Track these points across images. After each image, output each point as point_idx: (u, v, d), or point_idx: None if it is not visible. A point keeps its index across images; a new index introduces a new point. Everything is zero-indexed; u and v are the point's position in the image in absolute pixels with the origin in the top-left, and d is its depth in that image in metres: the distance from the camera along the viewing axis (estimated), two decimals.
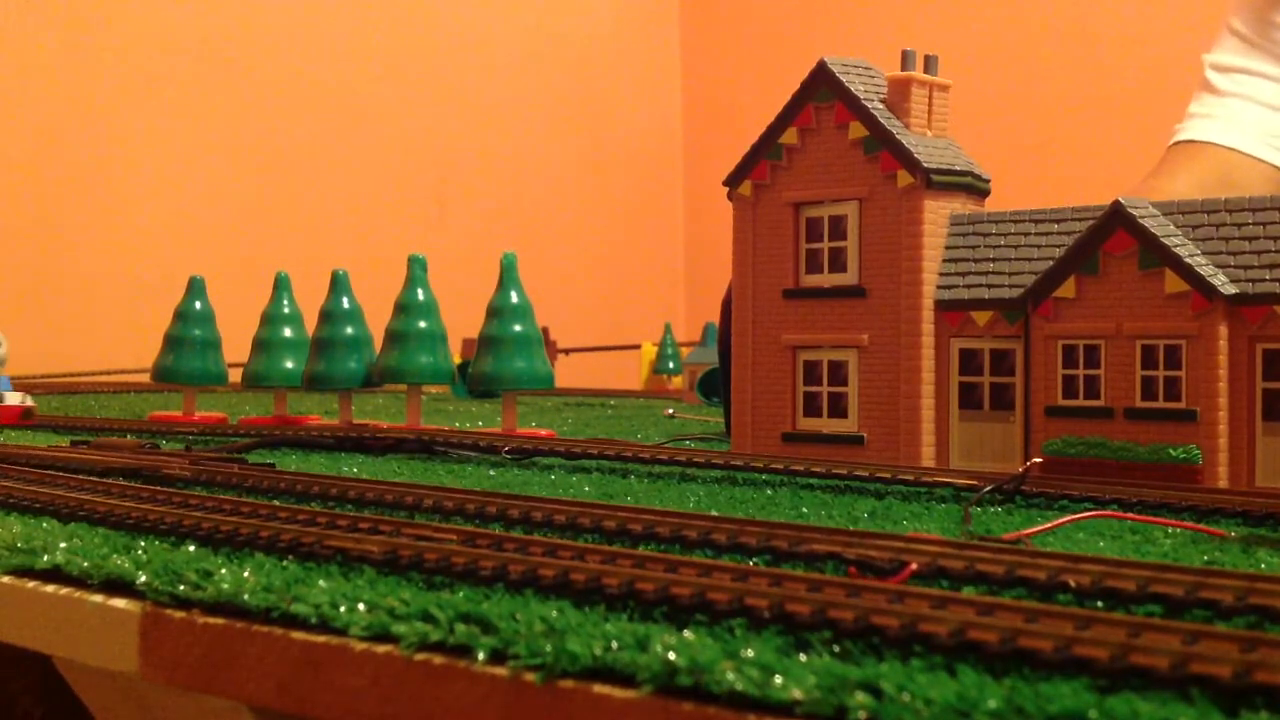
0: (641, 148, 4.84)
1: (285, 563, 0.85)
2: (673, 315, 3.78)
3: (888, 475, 1.24)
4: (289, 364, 1.92)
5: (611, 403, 2.88)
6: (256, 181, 3.75)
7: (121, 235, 3.45)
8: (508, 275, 1.74)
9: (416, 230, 3.93)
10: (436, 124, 4.18)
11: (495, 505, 0.97)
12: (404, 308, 1.79)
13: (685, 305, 4.66)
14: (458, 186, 4.21)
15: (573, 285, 4.11)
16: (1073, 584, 0.70)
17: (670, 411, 2.34)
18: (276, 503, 1.05)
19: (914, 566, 0.75)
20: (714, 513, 1.09)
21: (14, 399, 1.61)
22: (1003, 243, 1.36)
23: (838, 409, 1.42)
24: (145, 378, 2.41)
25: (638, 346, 3.56)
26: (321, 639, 0.72)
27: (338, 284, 1.86)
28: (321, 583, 0.78)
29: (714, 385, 2.52)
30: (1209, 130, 2.11)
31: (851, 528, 1.01)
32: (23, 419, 1.59)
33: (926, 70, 1.43)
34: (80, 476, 1.22)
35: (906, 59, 1.43)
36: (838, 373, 1.42)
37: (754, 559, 0.84)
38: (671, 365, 3.33)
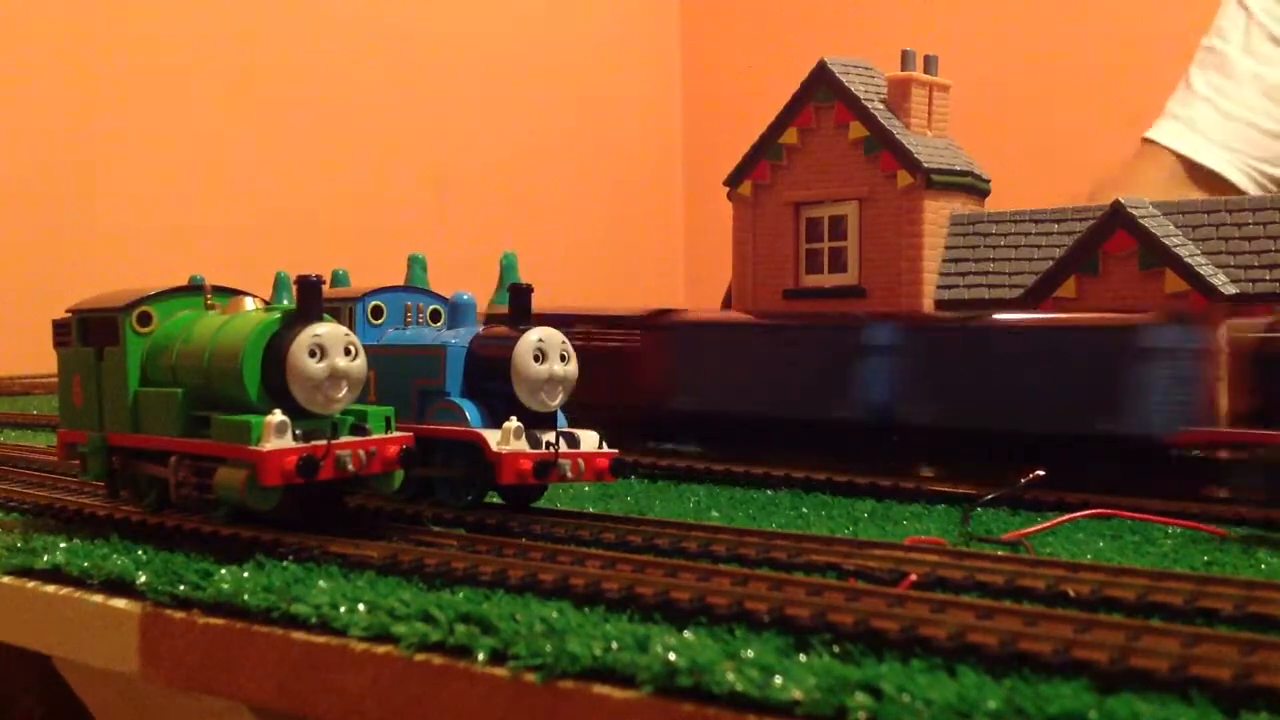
0: (641, 147, 4.84)
1: (285, 563, 0.84)
2: None
3: (888, 484, 1.22)
4: None
5: None
6: (255, 181, 3.75)
7: (120, 235, 3.45)
8: (508, 275, 1.75)
9: (416, 229, 3.93)
10: (436, 123, 4.18)
11: (494, 518, 0.97)
12: None
13: (685, 306, 4.66)
14: (457, 186, 4.21)
15: (572, 285, 4.11)
16: (1072, 593, 0.70)
17: None
18: None
19: (913, 577, 0.75)
20: (715, 513, 1.09)
21: (589, 440, 1.00)
22: (1003, 243, 1.36)
23: None
24: None
25: None
26: (322, 639, 0.72)
27: (338, 284, 1.86)
28: (322, 583, 0.78)
29: None
30: (1174, 136, 2.11)
31: (851, 528, 1.01)
32: (613, 472, 0.99)
33: (926, 70, 1.43)
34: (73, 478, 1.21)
35: (906, 59, 1.42)
36: None
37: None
38: None
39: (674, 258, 4.95)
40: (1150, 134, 2.14)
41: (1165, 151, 2.10)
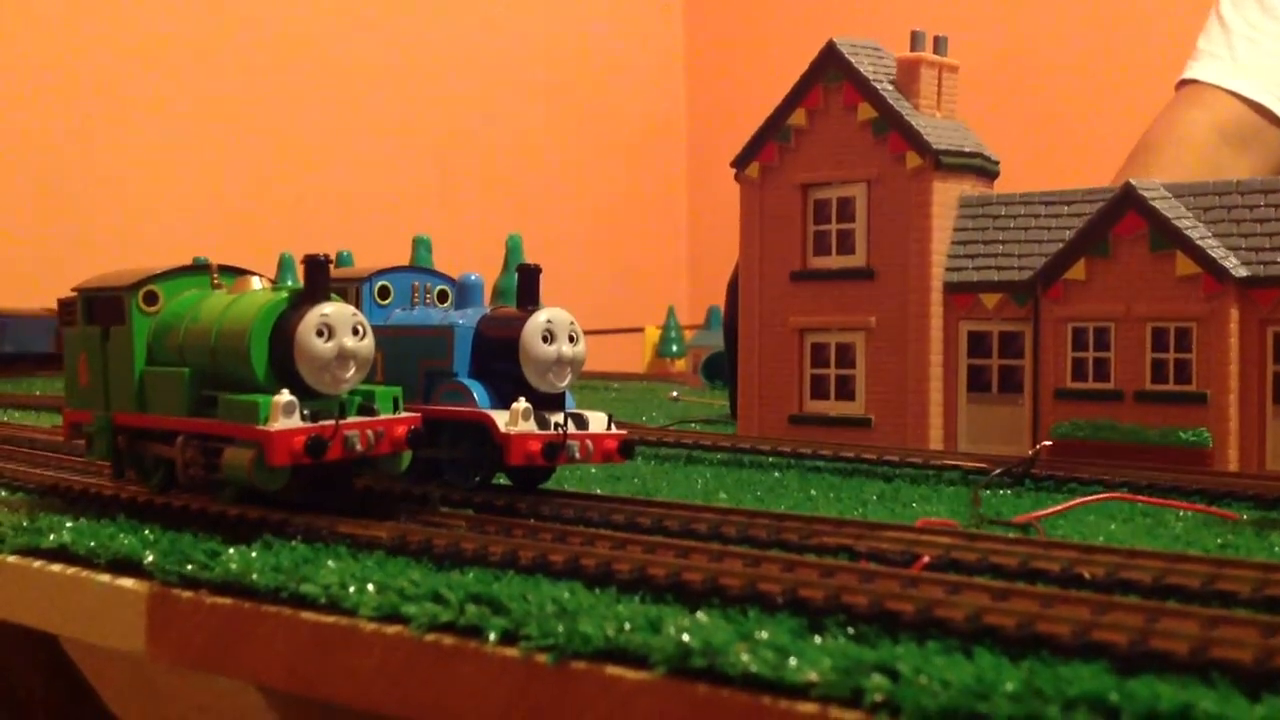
0: (645, 129, 4.82)
1: (294, 543, 0.84)
2: (676, 298, 3.77)
3: (896, 459, 1.23)
4: None
5: (615, 385, 2.87)
6: (260, 163, 3.74)
7: (124, 217, 3.44)
8: (513, 256, 1.74)
9: (421, 211, 3.92)
10: (441, 105, 4.17)
11: (502, 500, 0.96)
12: None
13: (688, 288, 4.65)
14: (462, 169, 4.20)
15: (575, 268, 4.10)
16: (1087, 575, 0.70)
17: (675, 395, 2.33)
18: None
19: (927, 559, 0.75)
20: (723, 495, 1.09)
21: (598, 421, 0.99)
22: (1012, 225, 1.35)
23: (845, 391, 1.41)
24: None
25: (641, 330, 3.55)
26: (331, 619, 0.72)
27: (342, 265, 1.85)
28: (330, 563, 0.78)
29: (718, 368, 2.51)
30: (1217, 72, 2.09)
31: (860, 510, 1.01)
32: (622, 454, 0.99)
33: (936, 51, 1.42)
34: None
35: (915, 40, 1.42)
36: (845, 355, 1.41)
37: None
38: (675, 348, 3.33)
39: (678, 240, 4.94)
40: (1190, 74, 2.12)
41: (1208, 89, 2.08)
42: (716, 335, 2.57)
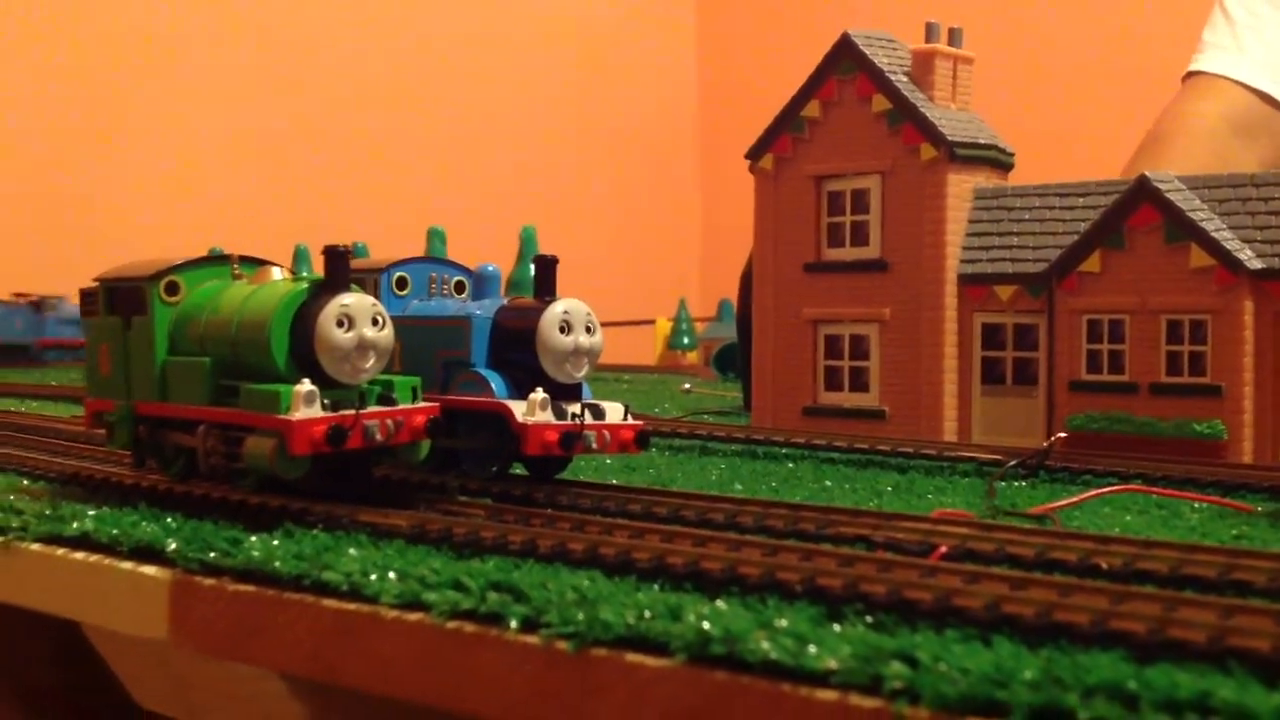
0: (657, 122, 4.82)
1: (315, 532, 0.84)
2: (687, 291, 3.77)
3: (910, 450, 1.23)
4: None
5: (627, 377, 2.88)
6: (275, 155, 3.75)
7: (140, 208, 3.45)
8: (527, 248, 1.75)
9: (435, 204, 3.93)
10: (454, 98, 4.18)
11: (520, 489, 0.97)
12: None
13: (700, 281, 4.65)
14: (475, 162, 4.21)
15: (587, 260, 4.10)
16: (1104, 566, 0.70)
17: (688, 386, 2.34)
18: None
19: (944, 549, 0.75)
20: (738, 486, 1.09)
21: (615, 412, 1.00)
22: (1027, 217, 1.35)
23: (859, 383, 1.42)
24: None
25: (652, 322, 3.55)
26: (353, 607, 0.72)
27: (358, 257, 1.85)
28: (352, 551, 0.78)
29: (730, 360, 2.52)
30: (1223, 63, 2.10)
31: (875, 501, 1.01)
32: (638, 444, 0.99)
33: (950, 43, 1.42)
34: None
35: (930, 31, 1.42)
36: (859, 347, 1.42)
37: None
38: (686, 340, 3.33)
39: (689, 233, 4.94)
40: (1196, 66, 2.12)
41: (1215, 80, 2.09)
42: (728, 328, 2.58)
